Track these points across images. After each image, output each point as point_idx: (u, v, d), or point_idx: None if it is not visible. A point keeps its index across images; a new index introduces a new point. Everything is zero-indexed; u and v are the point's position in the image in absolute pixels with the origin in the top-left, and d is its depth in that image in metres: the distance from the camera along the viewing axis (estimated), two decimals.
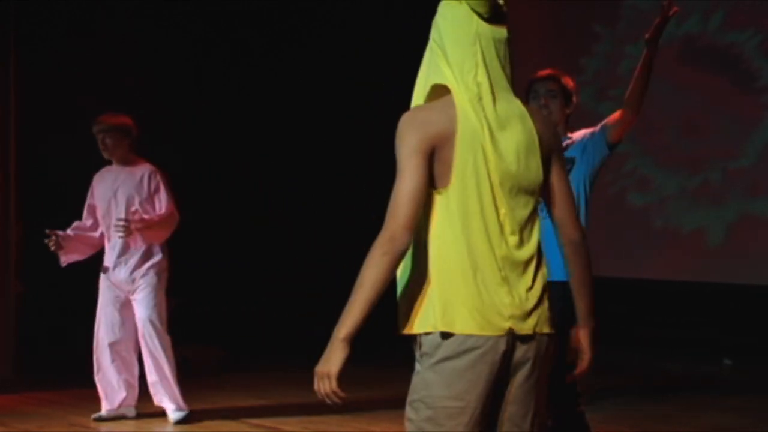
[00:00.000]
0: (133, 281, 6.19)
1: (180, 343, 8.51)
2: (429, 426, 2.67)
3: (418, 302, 2.69)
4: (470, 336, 2.62)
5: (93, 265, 6.64)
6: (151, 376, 6.17)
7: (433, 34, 2.79)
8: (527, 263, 2.71)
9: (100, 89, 8.13)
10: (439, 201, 2.66)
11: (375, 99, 9.62)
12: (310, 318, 9.09)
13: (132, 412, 6.30)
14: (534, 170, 2.73)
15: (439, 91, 2.74)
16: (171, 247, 6.43)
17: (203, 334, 8.68)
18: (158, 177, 6.21)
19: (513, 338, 2.65)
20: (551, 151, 2.81)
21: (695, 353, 8.36)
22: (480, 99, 2.69)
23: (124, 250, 6.19)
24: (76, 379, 6.87)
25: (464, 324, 2.63)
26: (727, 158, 8.43)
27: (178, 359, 6.36)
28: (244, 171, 9.16)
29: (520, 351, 2.68)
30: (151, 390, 6.21)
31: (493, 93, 2.70)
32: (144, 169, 6.22)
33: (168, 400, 6.19)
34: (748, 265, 8.29)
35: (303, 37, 9.65)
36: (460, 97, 2.69)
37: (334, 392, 2.65)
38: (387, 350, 9.00)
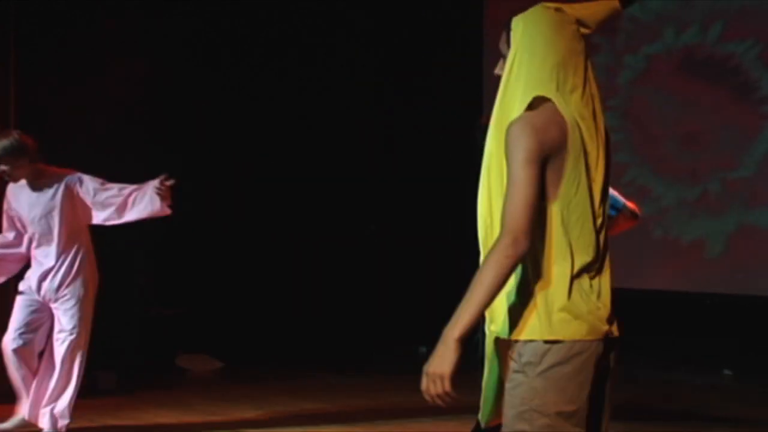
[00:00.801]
0: (58, 290, 5.82)
1: (179, 353, 8.56)
2: None
3: (522, 309, 2.71)
4: (577, 341, 2.68)
5: None
6: (49, 389, 5.83)
7: (530, 44, 2.79)
8: (608, 270, 2.80)
9: (100, 91, 8.06)
10: (546, 210, 2.71)
11: (373, 105, 9.63)
12: (310, 328, 9.10)
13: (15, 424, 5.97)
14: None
15: (536, 102, 2.75)
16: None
17: (202, 344, 8.67)
18: (77, 176, 5.85)
19: (607, 341, 2.74)
20: None
21: (695, 363, 8.35)
22: (592, 114, 2.77)
23: (53, 263, 5.82)
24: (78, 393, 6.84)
25: (572, 330, 2.68)
26: (726, 169, 8.43)
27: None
28: (242, 180, 9.14)
29: (607, 353, 2.76)
30: (41, 402, 5.85)
31: (598, 108, 2.80)
32: (59, 179, 5.84)
33: (49, 418, 5.82)
34: (748, 276, 8.29)
35: (303, 39, 9.57)
36: (569, 109, 2.73)
37: (447, 393, 2.60)
38: (387, 360, 9.02)
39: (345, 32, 9.62)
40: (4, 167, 5.74)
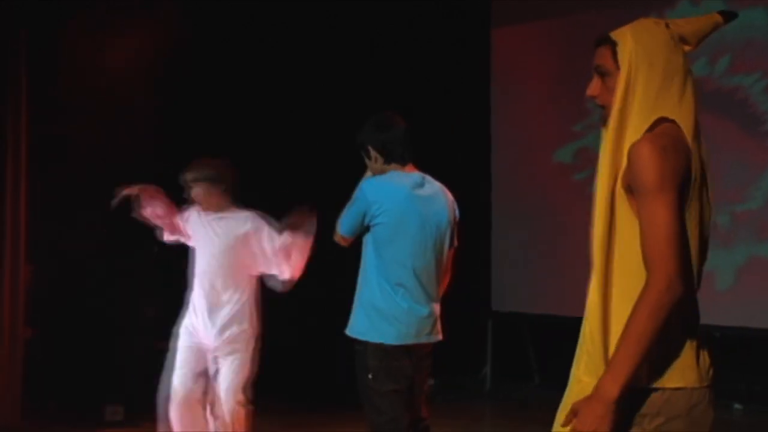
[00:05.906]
0: (222, 342, 5.53)
1: None
2: None
3: (666, 353, 2.52)
4: (696, 389, 2.61)
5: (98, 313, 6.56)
6: None
7: (647, 61, 2.52)
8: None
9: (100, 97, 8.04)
10: None
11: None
12: (310, 365, 9.04)
13: None
14: None
15: (658, 123, 2.50)
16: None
17: None
18: (259, 220, 5.74)
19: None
20: None
21: None
22: (700, 140, 2.57)
23: (215, 304, 5.61)
24: (85, 425, 6.84)
25: (694, 377, 2.61)
26: (734, 202, 8.42)
27: None
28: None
29: None
30: None
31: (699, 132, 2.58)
32: (244, 218, 5.74)
33: None
34: (758, 309, 8.25)
35: (301, 39, 9.29)
36: (685, 133, 2.51)
37: None
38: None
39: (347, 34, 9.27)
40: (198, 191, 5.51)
